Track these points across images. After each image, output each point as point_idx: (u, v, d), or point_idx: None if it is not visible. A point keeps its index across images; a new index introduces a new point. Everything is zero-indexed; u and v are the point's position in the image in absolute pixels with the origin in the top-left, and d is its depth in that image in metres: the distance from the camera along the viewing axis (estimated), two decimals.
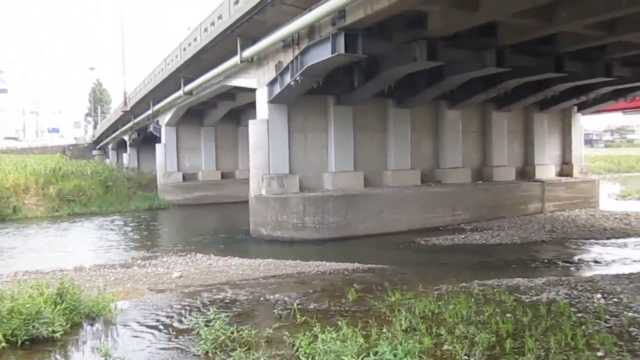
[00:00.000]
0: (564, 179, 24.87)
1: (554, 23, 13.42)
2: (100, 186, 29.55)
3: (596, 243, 15.57)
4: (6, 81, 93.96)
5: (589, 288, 9.46)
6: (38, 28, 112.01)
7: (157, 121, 33.76)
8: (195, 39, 21.09)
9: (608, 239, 16.13)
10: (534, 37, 14.93)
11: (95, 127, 79.59)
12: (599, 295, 8.88)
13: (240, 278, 11.19)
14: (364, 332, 6.60)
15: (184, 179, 32.61)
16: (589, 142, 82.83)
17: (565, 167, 26.12)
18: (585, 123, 32.19)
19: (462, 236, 16.61)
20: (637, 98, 27.07)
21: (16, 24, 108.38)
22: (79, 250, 16.32)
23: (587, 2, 12.34)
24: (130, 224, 22.85)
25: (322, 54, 13.45)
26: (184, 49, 22.73)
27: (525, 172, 24.37)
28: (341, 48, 12.71)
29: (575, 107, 26.02)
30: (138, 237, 19.47)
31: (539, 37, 15.04)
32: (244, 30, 16.23)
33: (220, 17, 18.02)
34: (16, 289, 8.13)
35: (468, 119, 22.37)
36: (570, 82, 19.54)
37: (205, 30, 19.64)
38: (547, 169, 24.94)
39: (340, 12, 12.52)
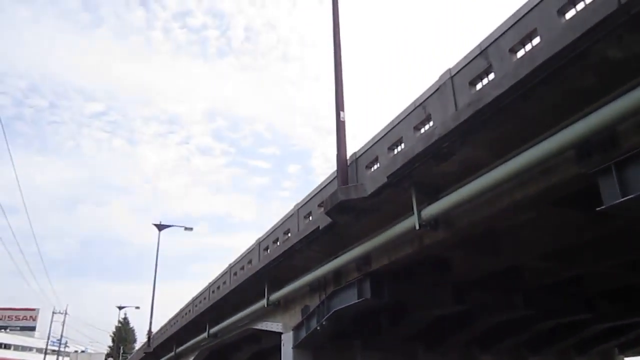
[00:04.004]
0: None
1: (577, 265, 13.55)
2: None
3: None
4: (36, 318, 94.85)
5: None
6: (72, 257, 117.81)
7: None
8: (224, 282, 21.63)
9: None
10: (560, 278, 14.96)
11: None
12: None
13: None
14: None
15: None
16: None
17: None
18: None
19: None
20: None
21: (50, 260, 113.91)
22: None
23: (607, 245, 12.61)
24: None
25: (348, 298, 13.52)
26: (213, 292, 23.19)
27: None
28: (367, 293, 12.82)
29: (616, 349, 24.67)
30: None
31: (566, 277, 15.06)
32: (272, 274, 16.67)
33: (250, 262, 18.73)
34: None
35: None
36: (606, 323, 18.88)
37: (235, 274, 20.26)
38: None
39: (365, 258, 12.94)
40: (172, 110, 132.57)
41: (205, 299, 24.69)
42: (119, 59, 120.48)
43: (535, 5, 8.29)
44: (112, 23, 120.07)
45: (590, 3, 7.75)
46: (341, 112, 11.91)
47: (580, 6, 7.92)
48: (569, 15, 8.02)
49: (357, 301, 13.09)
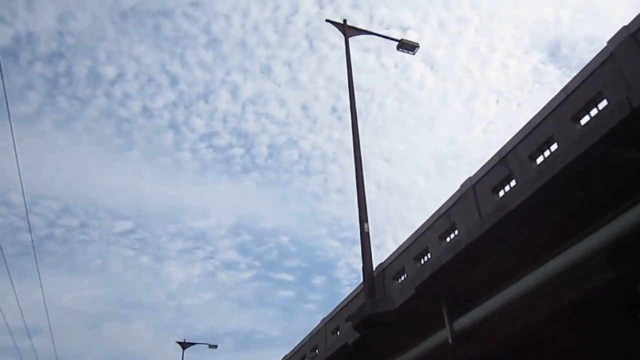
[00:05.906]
0: None
1: None
2: None
3: None
4: None
5: None
6: None
7: None
8: None
9: None
10: None
11: None
12: None
13: None
14: None
15: None
16: None
17: None
18: None
19: None
20: None
21: None
22: None
23: None
24: None
25: None
26: None
27: None
28: None
29: None
30: None
31: None
32: None
33: None
34: None
35: None
36: None
37: None
38: None
39: None
40: (198, 226, 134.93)
41: None
42: (147, 178, 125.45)
43: (550, 114, 8.52)
44: (142, 146, 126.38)
45: (603, 109, 7.96)
46: (365, 224, 11.94)
47: (593, 112, 8.12)
48: (584, 121, 8.20)
49: None
